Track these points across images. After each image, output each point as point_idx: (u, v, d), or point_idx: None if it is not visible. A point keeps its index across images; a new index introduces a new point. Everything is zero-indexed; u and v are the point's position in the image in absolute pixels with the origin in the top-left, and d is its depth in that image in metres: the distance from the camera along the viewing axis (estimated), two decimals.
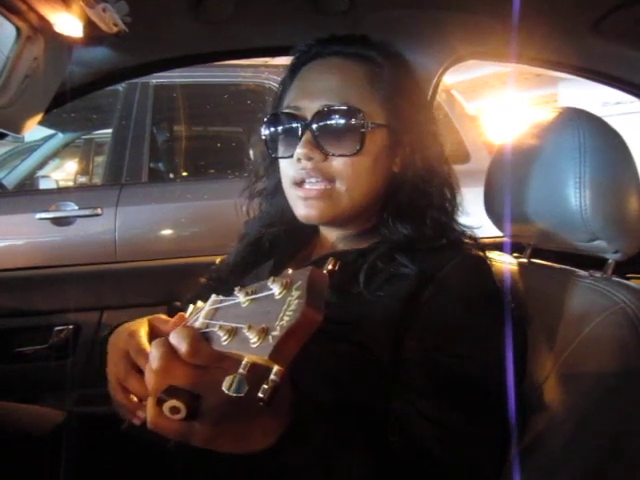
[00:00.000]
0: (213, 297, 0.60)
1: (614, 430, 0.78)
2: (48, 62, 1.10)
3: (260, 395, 0.45)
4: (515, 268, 1.04)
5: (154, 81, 2.66)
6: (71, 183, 3.97)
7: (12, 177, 3.17)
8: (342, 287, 0.86)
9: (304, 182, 0.89)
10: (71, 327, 1.83)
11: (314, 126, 0.87)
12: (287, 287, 0.48)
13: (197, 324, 0.58)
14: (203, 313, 0.59)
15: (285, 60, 1.01)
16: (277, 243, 1.03)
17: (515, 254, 1.11)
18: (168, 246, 2.37)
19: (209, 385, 0.53)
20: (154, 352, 0.56)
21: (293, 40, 0.99)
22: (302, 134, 0.87)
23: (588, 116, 0.88)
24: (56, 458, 0.89)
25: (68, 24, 1.01)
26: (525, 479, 0.78)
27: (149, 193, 2.52)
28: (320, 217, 0.89)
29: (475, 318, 0.81)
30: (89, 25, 1.00)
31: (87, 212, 2.34)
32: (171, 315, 1.08)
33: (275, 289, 0.48)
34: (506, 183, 0.96)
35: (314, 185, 0.88)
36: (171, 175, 2.96)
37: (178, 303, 1.13)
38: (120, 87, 2.64)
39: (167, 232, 2.41)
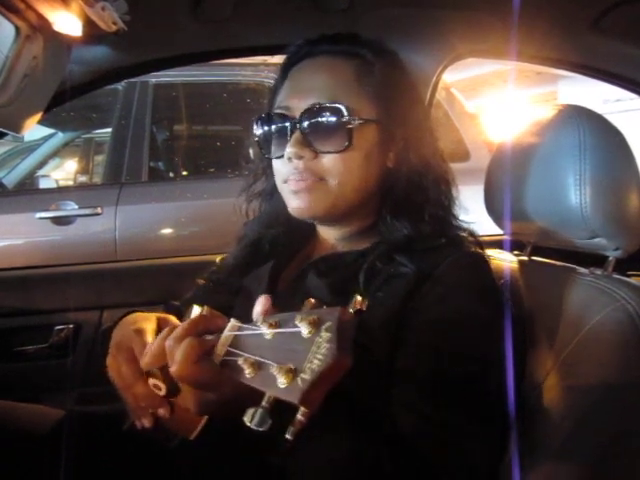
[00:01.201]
0: (232, 322, 0.59)
1: (614, 428, 0.78)
2: (47, 61, 1.10)
3: (288, 437, 0.46)
4: (515, 266, 1.04)
5: (153, 80, 2.66)
6: (71, 182, 3.97)
7: (12, 176, 3.16)
8: (341, 288, 0.86)
9: (296, 180, 0.89)
10: (71, 326, 1.83)
11: (303, 124, 0.87)
12: (315, 326, 0.47)
13: (217, 351, 0.58)
14: (222, 339, 0.58)
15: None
16: (277, 244, 1.03)
17: (515, 252, 1.11)
18: (168, 245, 2.37)
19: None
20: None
21: (293, 38, 0.99)
22: (291, 133, 0.88)
23: (588, 113, 0.88)
24: (56, 457, 0.89)
25: (67, 23, 1.01)
26: (525, 478, 0.78)
27: (149, 192, 2.52)
28: (310, 209, 0.89)
29: (473, 315, 0.81)
30: (88, 24, 1.00)
31: (87, 211, 2.34)
32: (169, 313, 1.08)
33: (302, 327, 0.47)
34: (506, 181, 0.96)
35: (305, 182, 0.88)
36: (171, 174, 2.96)
37: (176, 302, 1.12)
38: (119, 86, 2.64)
39: (167, 231, 2.41)
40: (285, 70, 0.96)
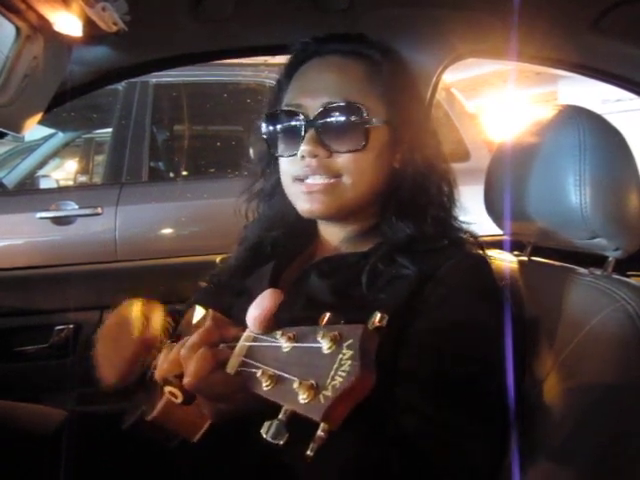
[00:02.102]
0: (247, 332, 0.59)
1: (614, 428, 0.78)
2: (48, 61, 1.10)
3: (309, 453, 0.45)
4: (515, 266, 1.04)
5: (154, 80, 2.66)
6: (71, 182, 3.97)
7: (12, 176, 3.17)
8: (344, 290, 0.86)
9: (307, 178, 0.89)
10: (71, 326, 1.83)
11: (318, 123, 0.87)
12: (336, 342, 0.46)
13: (231, 361, 0.58)
14: (237, 349, 0.58)
15: (285, 59, 1.01)
16: (278, 245, 1.03)
17: (515, 252, 1.11)
18: (168, 245, 2.37)
19: None
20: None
21: (293, 38, 0.99)
22: (305, 132, 0.87)
23: (588, 114, 0.88)
24: (56, 457, 0.89)
25: (67, 23, 1.01)
26: (525, 478, 0.78)
27: (149, 192, 2.52)
28: (324, 211, 0.89)
29: (475, 317, 0.81)
30: (89, 24, 1.00)
31: (87, 211, 2.34)
32: (173, 318, 1.09)
33: (323, 342, 0.47)
34: (506, 181, 0.96)
35: (318, 180, 0.88)
36: (171, 174, 2.95)
37: (179, 307, 1.12)
38: (120, 86, 2.64)
39: (167, 231, 2.41)
40: (291, 68, 0.96)
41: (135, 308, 0.90)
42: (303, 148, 0.87)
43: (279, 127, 0.92)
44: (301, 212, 0.92)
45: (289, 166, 0.92)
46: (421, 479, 0.71)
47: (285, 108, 0.92)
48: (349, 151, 0.87)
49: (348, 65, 0.91)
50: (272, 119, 0.94)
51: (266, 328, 0.57)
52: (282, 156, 0.93)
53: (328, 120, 0.87)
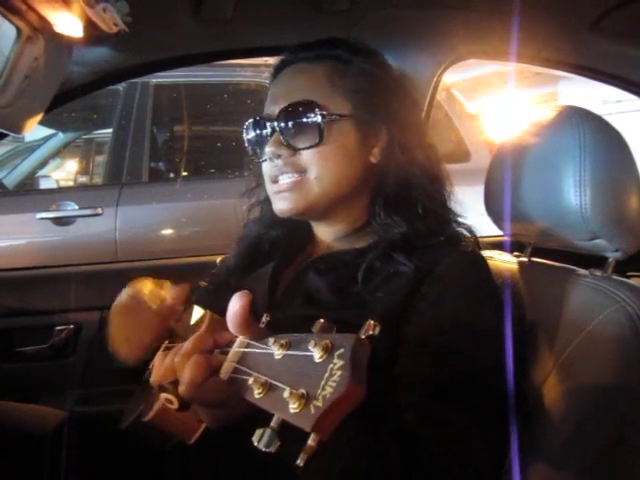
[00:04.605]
0: (240, 338, 0.59)
1: (614, 430, 0.78)
2: (48, 62, 1.10)
3: (299, 462, 0.45)
4: (515, 267, 1.04)
5: (154, 81, 2.66)
6: (71, 183, 3.98)
7: (12, 177, 3.17)
8: (341, 287, 0.86)
9: (278, 178, 0.93)
10: (72, 327, 1.83)
11: (279, 125, 0.91)
12: (328, 351, 0.46)
13: (224, 367, 0.58)
14: (230, 355, 0.59)
15: None
16: (276, 246, 1.04)
17: (516, 253, 1.11)
18: (169, 245, 2.37)
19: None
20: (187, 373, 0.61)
21: (294, 39, 1.00)
22: (271, 135, 0.92)
23: (588, 115, 0.88)
24: (56, 458, 0.90)
25: (68, 24, 1.01)
26: (525, 478, 0.78)
27: (149, 193, 2.52)
28: (292, 209, 0.92)
29: (473, 315, 0.81)
30: (89, 25, 1.00)
31: (88, 212, 2.34)
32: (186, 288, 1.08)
33: (315, 351, 0.46)
34: (506, 182, 0.96)
35: (286, 179, 0.92)
36: (171, 175, 2.96)
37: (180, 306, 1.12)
38: (120, 87, 2.64)
39: (167, 231, 2.41)
40: (271, 79, 1.01)
41: (147, 282, 0.95)
42: (267, 150, 0.92)
43: (255, 136, 0.98)
44: (276, 213, 0.95)
45: (265, 169, 0.96)
46: (421, 478, 0.70)
47: (258, 117, 0.97)
48: (308, 147, 0.90)
49: (312, 69, 0.94)
50: (250, 129, 0.99)
51: (245, 330, 0.58)
52: (261, 161, 0.98)
53: (286, 120, 0.91)
